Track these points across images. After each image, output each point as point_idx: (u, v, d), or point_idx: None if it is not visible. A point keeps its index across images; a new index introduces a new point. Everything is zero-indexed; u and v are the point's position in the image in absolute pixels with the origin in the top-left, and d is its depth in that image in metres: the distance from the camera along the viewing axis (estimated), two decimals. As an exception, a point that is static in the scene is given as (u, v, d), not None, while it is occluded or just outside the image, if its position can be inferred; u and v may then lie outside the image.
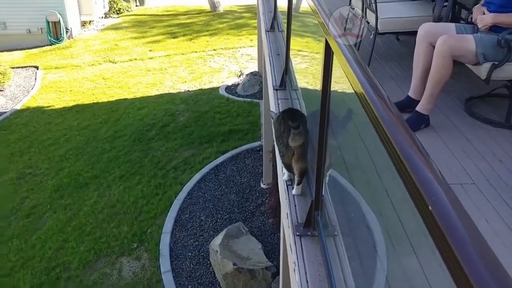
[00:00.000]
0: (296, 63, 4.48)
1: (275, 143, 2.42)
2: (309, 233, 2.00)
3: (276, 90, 3.59)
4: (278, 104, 3.38)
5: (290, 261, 2.02)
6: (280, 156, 2.35)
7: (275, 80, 3.76)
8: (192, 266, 5.81)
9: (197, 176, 7.40)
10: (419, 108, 3.00)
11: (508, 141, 2.82)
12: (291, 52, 3.98)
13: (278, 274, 4.46)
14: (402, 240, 2.32)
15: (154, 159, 8.02)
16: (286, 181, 2.40)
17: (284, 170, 2.40)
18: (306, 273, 1.80)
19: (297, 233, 2.01)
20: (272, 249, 5.75)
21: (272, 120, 2.50)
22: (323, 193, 1.99)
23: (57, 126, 9.60)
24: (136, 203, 6.94)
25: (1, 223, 6.86)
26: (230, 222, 6.32)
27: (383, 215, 2.66)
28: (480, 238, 0.64)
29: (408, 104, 3.17)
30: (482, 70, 2.82)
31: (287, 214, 2.19)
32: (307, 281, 1.76)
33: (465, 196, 2.34)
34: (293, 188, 2.30)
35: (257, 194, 6.94)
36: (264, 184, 7.03)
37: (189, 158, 7.92)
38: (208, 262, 5.82)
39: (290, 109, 2.71)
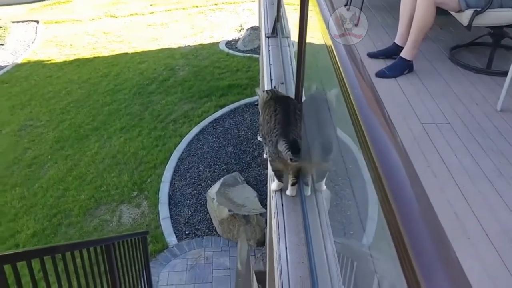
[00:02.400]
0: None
1: (259, 131, 1.85)
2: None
3: (268, 37, 3.68)
4: (269, 51, 3.47)
5: (271, 190, 2.18)
6: (268, 157, 1.89)
7: (268, 28, 3.85)
8: (190, 213, 6.02)
9: (196, 129, 7.55)
10: (403, 54, 3.10)
11: (487, 86, 2.93)
12: (291, 7, 4.04)
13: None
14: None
15: (154, 112, 8.15)
16: (274, 191, 1.96)
17: (274, 177, 1.93)
18: (282, 198, 1.96)
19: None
20: (267, 197, 5.92)
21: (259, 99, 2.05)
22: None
23: (58, 80, 9.70)
24: (136, 154, 7.11)
25: (5, 172, 7.07)
26: (227, 172, 6.49)
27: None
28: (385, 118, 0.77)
29: (394, 51, 3.27)
30: (464, 17, 2.91)
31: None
32: (282, 203, 1.93)
33: (438, 134, 2.47)
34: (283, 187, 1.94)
35: (254, 147, 7.09)
36: (261, 137, 7.12)
37: (188, 112, 8.05)
38: (206, 209, 6.03)
39: (283, 96, 2.02)
